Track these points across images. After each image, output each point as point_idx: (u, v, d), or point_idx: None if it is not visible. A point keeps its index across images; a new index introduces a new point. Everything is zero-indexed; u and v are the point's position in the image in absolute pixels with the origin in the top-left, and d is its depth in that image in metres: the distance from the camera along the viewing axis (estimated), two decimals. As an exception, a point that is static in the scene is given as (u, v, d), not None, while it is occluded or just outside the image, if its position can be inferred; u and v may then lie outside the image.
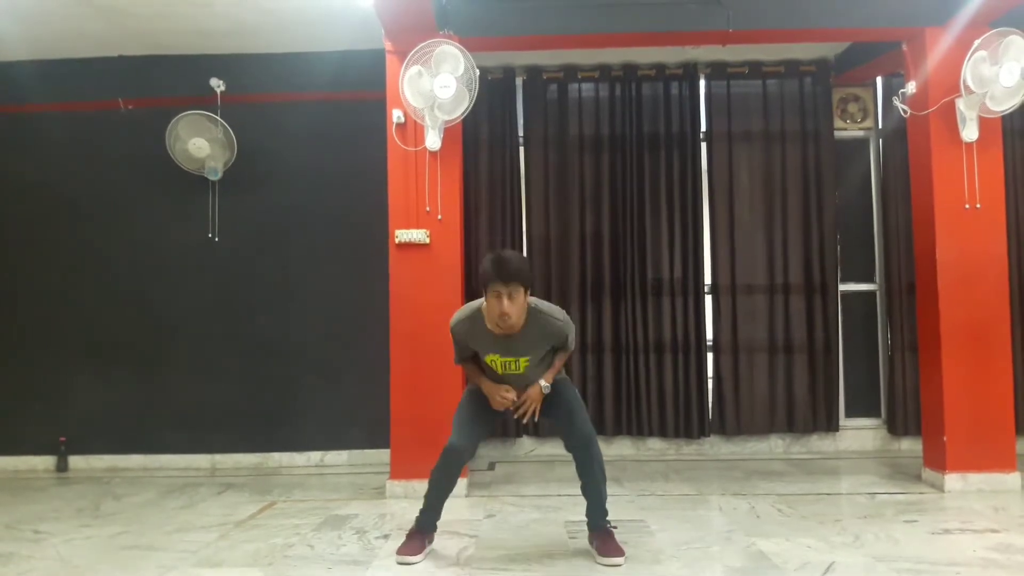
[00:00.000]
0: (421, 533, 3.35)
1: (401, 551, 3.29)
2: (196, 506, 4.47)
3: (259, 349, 5.63)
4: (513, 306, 3.02)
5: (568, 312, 5.67)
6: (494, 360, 3.24)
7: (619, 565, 3.14)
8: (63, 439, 5.60)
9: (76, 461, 5.63)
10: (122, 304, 5.68)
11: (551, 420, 3.40)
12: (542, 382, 3.25)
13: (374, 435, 5.29)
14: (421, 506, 3.37)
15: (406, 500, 4.41)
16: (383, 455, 5.00)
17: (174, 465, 5.59)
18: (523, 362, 3.22)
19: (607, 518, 3.30)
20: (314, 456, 5.61)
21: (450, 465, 3.26)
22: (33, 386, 5.65)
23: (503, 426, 5.54)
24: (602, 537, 3.25)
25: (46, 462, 5.63)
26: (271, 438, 5.61)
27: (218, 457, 5.62)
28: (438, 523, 3.39)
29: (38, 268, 5.72)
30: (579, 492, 3.33)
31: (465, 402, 3.40)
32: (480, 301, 3.19)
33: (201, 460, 5.62)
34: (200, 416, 5.60)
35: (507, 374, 3.27)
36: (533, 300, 3.18)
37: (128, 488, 5.01)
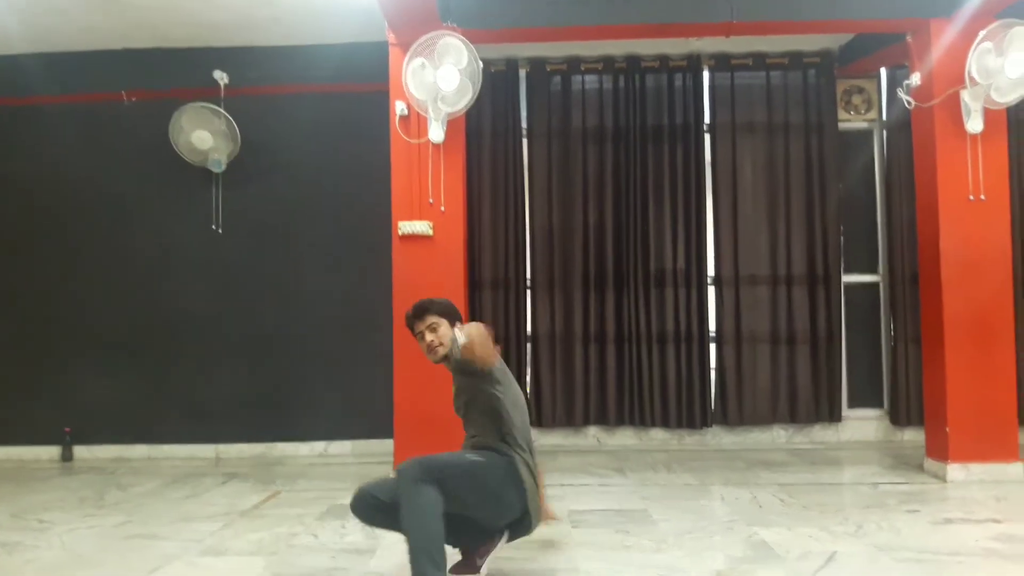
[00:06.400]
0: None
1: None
2: (200, 496, 4.50)
3: (263, 340, 5.65)
4: (438, 337, 3.02)
5: (571, 303, 5.66)
6: None
7: None
8: (68, 429, 5.63)
9: (81, 451, 5.66)
10: (126, 296, 5.70)
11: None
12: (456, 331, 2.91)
13: (377, 425, 5.31)
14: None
15: (409, 490, 4.41)
16: (387, 445, 5.02)
17: (178, 455, 5.63)
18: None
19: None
20: (318, 446, 5.64)
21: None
22: (38, 377, 5.68)
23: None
24: None
25: (51, 452, 5.67)
26: (275, 428, 5.64)
27: (222, 447, 5.65)
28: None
29: (42, 259, 5.74)
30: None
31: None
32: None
33: (205, 450, 5.65)
34: (204, 406, 5.62)
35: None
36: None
37: (132, 478, 5.04)
